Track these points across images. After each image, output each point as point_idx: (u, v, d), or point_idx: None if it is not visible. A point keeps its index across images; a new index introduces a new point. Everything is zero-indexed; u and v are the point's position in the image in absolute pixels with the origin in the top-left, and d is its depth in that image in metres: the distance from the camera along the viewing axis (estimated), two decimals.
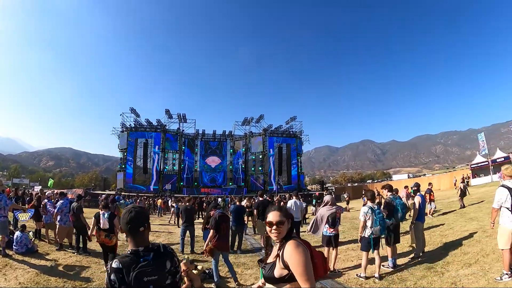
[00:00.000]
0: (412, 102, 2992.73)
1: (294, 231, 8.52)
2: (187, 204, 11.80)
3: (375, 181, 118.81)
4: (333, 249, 7.89)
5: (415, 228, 8.76)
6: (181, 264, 6.93)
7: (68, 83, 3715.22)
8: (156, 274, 2.36)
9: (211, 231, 7.34)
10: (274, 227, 2.66)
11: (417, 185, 9.61)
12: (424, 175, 73.68)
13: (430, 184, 17.95)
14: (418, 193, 9.11)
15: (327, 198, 8.31)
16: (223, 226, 7.47)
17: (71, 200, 11.21)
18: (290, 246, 2.50)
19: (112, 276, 2.24)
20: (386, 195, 8.47)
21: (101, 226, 8.12)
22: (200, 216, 22.20)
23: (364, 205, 8.28)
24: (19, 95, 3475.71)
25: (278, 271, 2.47)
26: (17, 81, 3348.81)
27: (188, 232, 11.23)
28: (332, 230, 7.82)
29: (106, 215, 8.16)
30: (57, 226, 10.80)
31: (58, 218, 10.60)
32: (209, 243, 7.09)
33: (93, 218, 8.38)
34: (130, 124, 56.96)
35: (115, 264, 2.30)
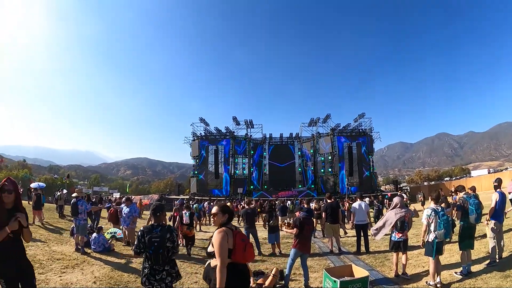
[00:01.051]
0: (487, 86, 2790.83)
1: (362, 233, 8.40)
2: (247, 207, 12.00)
3: (453, 178, 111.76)
4: (402, 254, 7.64)
5: (492, 229, 7.93)
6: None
7: (142, 97, 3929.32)
8: (159, 238, 4.45)
9: (295, 229, 7.51)
10: (212, 217, 4.23)
11: (498, 181, 8.62)
12: (506, 169, 68.26)
13: None
14: (497, 190, 8.22)
15: (396, 200, 8.01)
16: (307, 228, 7.56)
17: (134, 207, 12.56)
18: (216, 231, 3.92)
19: (139, 234, 4.52)
20: (460, 196, 8.06)
21: (184, 222, 11.63)
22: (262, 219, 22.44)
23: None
24: (96, 111, 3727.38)
25: (210, 248, 3.92)
26: (95, 98, 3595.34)
27: (251, 234, 11.40)
28: (400, 235, 7.56)
29: (187, 213, 11.83)
30: (124, 228, 12.33)
31: (123, 221, 12.22)
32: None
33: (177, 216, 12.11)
34: (200, 133, 59.57)
35: (141, 229, 4.64)
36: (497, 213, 7.98)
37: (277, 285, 7.31)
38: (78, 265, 8.65)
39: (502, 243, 8.16)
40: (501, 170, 67.26)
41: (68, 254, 9.86)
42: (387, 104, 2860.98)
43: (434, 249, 6.64)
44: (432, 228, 6.72)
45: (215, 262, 3.74)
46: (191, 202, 23.57)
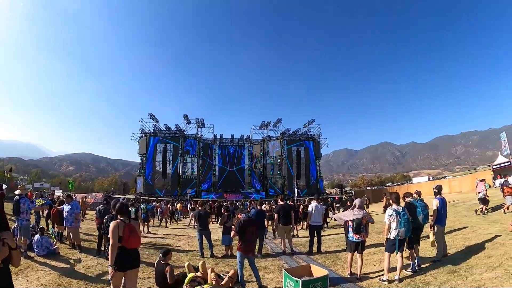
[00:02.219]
0: (431, 102, 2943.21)
1: (315, 234, 8.51)
2: (200, 208, 11.86)
3: (395, 184, 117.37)
4: (358, 256, 7.85)
5: (435, 231, 8.69)
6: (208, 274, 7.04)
7: (88, 90, 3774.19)
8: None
9: (232, 233, 7.65)
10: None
11: (439, 187, 9.28)
12: (445, 177, 72.48)
13: (505, 175, 18.09)
14: (437, 196, 8.88)
15: (356, 201, 8.24)
16: (249, 230, 7.53)
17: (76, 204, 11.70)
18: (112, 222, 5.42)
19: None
20: (407, 200, 8.51)
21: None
22: (216, 220, 22.20)
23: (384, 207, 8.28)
24: (39, 102, 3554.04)
25: None
26: (37, 88, 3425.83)
27: (204, 236, 11.30)
28: (358, 236, 7.76)
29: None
30: (67, 228, 11.42)
31: (66, 220, 11.17)
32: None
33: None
34: (149, 130, 57.57)
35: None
36: (440, 218, 8.63)
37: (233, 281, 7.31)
38: (21, 271, 7.97)
39: (443, 245, 8.78)
40: (440, 178, 71.11)
41: None
42: (335, 112, 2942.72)
43: (397, 246, 7.10)
44: (393, 226, 7.17)
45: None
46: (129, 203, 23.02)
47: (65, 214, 11.27)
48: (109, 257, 5.15)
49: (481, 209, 15.53)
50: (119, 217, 5.59)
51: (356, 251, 7.84)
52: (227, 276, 7.02)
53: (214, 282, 6.85)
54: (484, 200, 15.83)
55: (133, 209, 14.46)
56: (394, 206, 7.38)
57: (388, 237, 7.28)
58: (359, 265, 7.75)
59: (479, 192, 16.18)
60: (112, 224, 5.32)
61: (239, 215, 8.14)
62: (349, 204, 10.36)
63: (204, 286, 6.72)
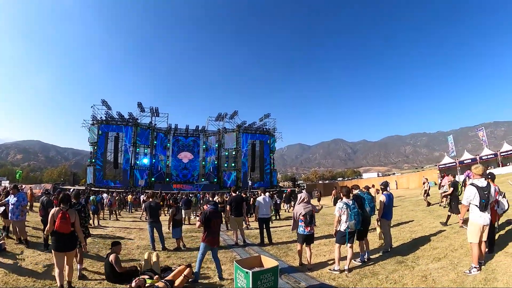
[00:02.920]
0: (382, 103, 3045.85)
1: (264, 226, 8.46)
2: (150, 200, 11.61)
3: (346, 179, 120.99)
4: (306, 247, 7.94)
5: (382, 225, 9.08)
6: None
7: (38, 73, 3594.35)
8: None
9: (198, 223, 7.54)
10: None
11: (385, 184, 9.62)
12: (394, 174, 75.65)
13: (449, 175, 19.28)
14: (384, 192, 9.20)
15: (303, 195, 8.32)
16: (214, 222, 7.49)
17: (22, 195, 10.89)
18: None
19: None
20: (354, 192, 8.80)
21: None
22: (167, 212, 21.79)
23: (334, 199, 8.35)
24: None
25: None
26: None
27: (155, 229, 11.06)
28: (308, 229, 7.85)
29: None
30: (12, 221, 10.62)
31: (12, 213, 10.36)
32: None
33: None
34: (101, 117, 55.39)
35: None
36: (386, 212, 8.95)
37: (189, 280, 7.00)
38: None
39: (389, 237, 9.18)
40: (389, 175, 74.09)
41: None
42: (290, 107, 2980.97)
43: (347, 237, 7.24)
44: (344, 219, 7.28)
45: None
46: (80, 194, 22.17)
47: (10, 207, 10.57)
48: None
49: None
50: (61, 205, 6.40)
51: (305, 243, 7.94)
52: (183, 275, 6.67)
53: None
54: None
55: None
56: (345, 199, 7.49)
57: (339, 229, 7.40)
58: (308, 255, 7.85)
59: (469, 178, 17.39)
60: (51, 211, 6.36)
61: (205, 206, 8.03)
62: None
63: (148, 281, 6.37)
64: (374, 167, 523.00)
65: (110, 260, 6.96)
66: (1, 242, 9.75)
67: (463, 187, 12.91)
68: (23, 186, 34.33)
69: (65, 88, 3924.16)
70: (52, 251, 6.30)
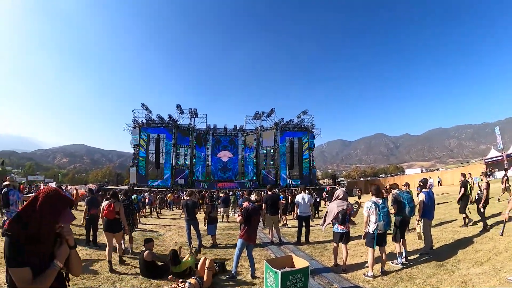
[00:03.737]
0: (425, 95, 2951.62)
1: (303, 224, 8.36)
2: (188, 198, 11.81)
3: (388, 175, 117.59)
4: (343, 247, 7.71)
5: (422, 225, 8.58)
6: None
7: (81, 81, 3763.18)
8: None
9: (239, 218, 7.58)
10: None
11: (424, 181, 9.20)
12: (438, 169, 72.83)
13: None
14: (423, 190, 8.77)
15: (338, 192, 8.11)
16: (254, 219, 7.53)
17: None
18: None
19: None
20: (394, 192, 8.41)
21: None
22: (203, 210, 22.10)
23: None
24: (33, 94, 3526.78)
25: None
26: (31, 81, 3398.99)
27: (192, 226, 11.26)
28: (343, 227, 7.63)
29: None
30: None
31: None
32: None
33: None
34: (142, 120, 57.25)
35: None
36: (426, 211, 8.51)
37: (226, 276, 7.25)
38: None
39: (431, 238, 8.70)
40: (433, 170, 71.50)
41: None
42: (329, 102, 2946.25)
43: (375, 240, 6.89)
44: (372, 219, 6.95)
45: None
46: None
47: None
48: None
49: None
50: (110, 198, 8.57)
51: (341, 242, 7.72)
52: (206, 268, 6.73)
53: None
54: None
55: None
56: (373, 198, 7.15)
57: (367, 231, 7.10)
58: (344, 256, 7.64)
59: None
60: (103, 203, 8.78)
61: (245, 203, 8.09)
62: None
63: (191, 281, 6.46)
64: (417, 162, 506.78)
65: (144, 256, 7.19)
66: None
67: (471, 187, 12.30)
68: (69, 187, 35.80)
69: (107, 94, 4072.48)
70: (103, 231, 8.47)
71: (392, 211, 8.04)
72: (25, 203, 2.13)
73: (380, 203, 7.05)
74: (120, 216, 8.45)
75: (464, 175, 12.85)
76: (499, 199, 15.68)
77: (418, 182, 9.19)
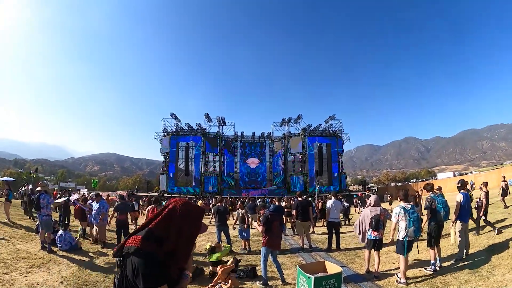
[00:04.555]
0: (455, 95, 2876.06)
1: (333, 231, 8.45)
2: (219, 204, 11.99)
3: (420, 180, 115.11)
4: (375, 254, 7.71)
5: (457, 228, 8.30)
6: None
7: (112, 91, 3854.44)
8: None
9: (260, 228, 7.62)
10: None
11: (462, 182, 8.89)
12: (471, 172, 70.87)
13: None
14: (461, 191, 8.50)
15: (371, 198, 8.12)
16: (275, 224, 7.55)
17: (103, 203, 12.25)
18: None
19: None
20: (427, 195, 8.23)
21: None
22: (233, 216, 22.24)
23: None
24: (65, 104, 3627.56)
25: None
26: (61, 91, 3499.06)
27: (222, 232, 11.45)
28: (376, 233, 7.61)
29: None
30: (95, 225, 11.94)
31: (93, 217, 11.94)
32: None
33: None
34: (171, 129, 58.54)
35: None
36: (463, 213, 8.30)
37: (259, 282, 7.34)
38: (44, 264, 8.28)
39: (467, 242, 8.51)
40: (466, 174, 69.65)
41: (33, 252, 9.41)
42: (357, 107, 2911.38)
43: (405, 247, 6.80)
44: (402, 226, 6.88)
45: None
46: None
47: (92, 212, 11.84)
48: None
49: None
50: (152, 203, 10.56)
51: (373, 249, 7.71)
52: (229, 276, 6.86)
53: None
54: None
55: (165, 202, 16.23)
56: (402, 203, 7.07)
57: (397, 238, 7.03)
58: (376, 262, 7.61)
59: None
60: (148, 207, 11.02)
61: (261, 211, 8.21)
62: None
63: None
64: (449, 165, 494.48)
65: None
66: (78, 241, 10.89)
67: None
68: (101, 193, 36.74)
69: (137, 104, 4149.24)
70: None
71: (425, 217, 7.99)
72: (158, 217, 2.03)
73: (409, 208, 6.95)
74: None
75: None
76: None
77: (456, 184, 8.99)
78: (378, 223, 7.62)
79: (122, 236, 11.04)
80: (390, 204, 29.46)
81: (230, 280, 6.70)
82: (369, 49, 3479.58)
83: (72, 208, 15.26)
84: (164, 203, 10.85)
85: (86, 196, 15.39)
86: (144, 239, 1.91)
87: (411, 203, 7.29)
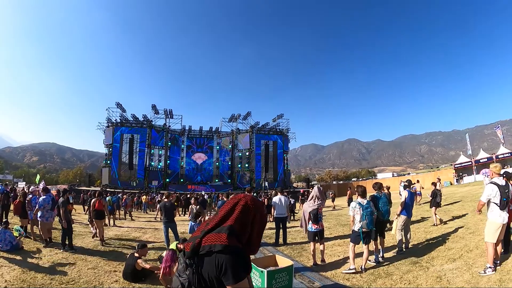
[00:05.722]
0: (397, 102, 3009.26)
1: (281, 225, 8.55)
2: (166, 200, 11.74)
3: (360, 179, 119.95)
4: (319, 244, 8.14)
5: (400, 222, 8.96)
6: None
7: (53, 77, 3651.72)
8: None
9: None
10: None
11: (409, 181, 10.10)
12: (409, 173, 74.76)
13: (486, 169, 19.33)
14: (407, 188, 9.39)
15: (314, 188, 8.56)
16: None
17: (52, 196, 11.19)
18: None
19: None
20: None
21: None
22: (186, 212, 21.96)
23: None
24: (2, 88, 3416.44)
25: None
26: (1, 70, 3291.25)
27: (170, 228, 11.23)
28: (316, 226, 8.09)
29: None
30: (39, 222, 10.67)
31: (39, 214, 10.50)
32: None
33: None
34: (116, 119, 56.25)
35: None
36: (406, 208, 8.99)
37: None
38: None
39: (409, 235, 9.15)
40: (404, 174, 73.31)
41: None
42: (303, 107, 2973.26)
43: (362, 237, 7.24)
44: (357, 219, 7.32)
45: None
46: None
47: (39, 206, 10.88)
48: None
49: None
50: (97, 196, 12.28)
51: (316, 241, 8.12)
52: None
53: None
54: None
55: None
56: (359, 199, 7.51)
57: (353, 229, 7.44)
58: (321, 250, 8.06)
59: (488, 176, 17.84)
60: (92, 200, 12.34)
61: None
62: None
63: None
64: (388, 167, 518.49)
65: (136, 263, 7.07)
66: (19, 240, 10.04)
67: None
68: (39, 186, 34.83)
69: (80, 91, 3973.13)
70: (95, 220, 11.92)
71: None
72: (233, 214, 2.08)
73: (365, 203, 7.36)
74: (104, 209, 12.73)
75: (435, 184, 13.91)
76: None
77: (403, 182, 9.73)
78: (317, 216, 8.12)
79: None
80: (333, 201, 30.30)
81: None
82: (318, 48, 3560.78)
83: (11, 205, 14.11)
84: (108, 198, 10.56)
85: (26, 190, 14.39)
86: (229, 236, 1.92)
87: (367, 199, 7.61)
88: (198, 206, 12.37)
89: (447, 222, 11.96)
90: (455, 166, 46.64)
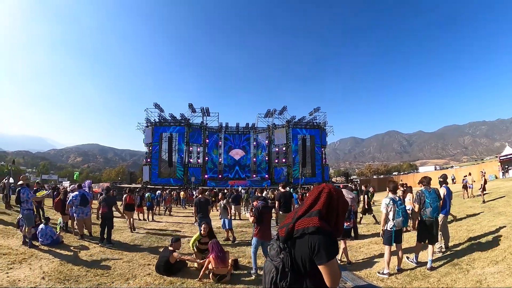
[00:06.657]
0: (439, 91, 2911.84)
1: None
2: (200, 196, 11.85)
3: (401, 173, 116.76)
4: (352, 240, 7.92)
5: (441, 222, 8.16)
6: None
7: (94, 81, 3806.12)
8: None
9: (251, 218, 7.55)
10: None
11: (444, 177, 8.95)
12: (452, 167, 72.00)
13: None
14: (443, 185, 8.55)
15: (343, 191, 8.23)
16: (266, 217, 7.56)
17: (82, 192, 11.57)
18: None
19: None
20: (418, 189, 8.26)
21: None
22: (216, 208, 22.10)
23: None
24: (47, 95, 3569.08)
25: None
26: (43, 82, 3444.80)
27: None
28: (348, 223, 8.01)
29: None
30: (75, 218, 11.42)
31: (70, 210, 11.25)
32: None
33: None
34: (154, 119, 58.02)
35: None
36: (445, 207, 8.31)
37: (250, 271, 7.39)
38: (25, 260, 7.98)
39: (448, 234, 8.57)
40: (447, 168, 70.68)
41: (14, 248, 9.08)
42: (341, 100, 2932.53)
43: (393, 237, 6.85)
44: (390, 216, 6.90)
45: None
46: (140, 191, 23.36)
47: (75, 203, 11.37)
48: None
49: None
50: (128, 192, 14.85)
51: (349, 238, 8.02)
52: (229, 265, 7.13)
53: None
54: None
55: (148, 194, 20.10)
56: (390, 195, 7.13)
57: (385, 228, 7.01)
58: (343, 248, 7.94)
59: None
60: (124, 195, 14.70)
61: (255, 203, 8.16)
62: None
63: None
64: (431, 160, 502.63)
65: (170, 257, 7.24)
66: (59, 235, 10.52)
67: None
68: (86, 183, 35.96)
69: (120, 94, 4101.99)
70: (125, 211, 14.02)
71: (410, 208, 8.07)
72: (319, 201, 2.26)
73: (397, 199, 7.03)
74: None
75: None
76: None
77: (438, 178, 8.99)
78: (350, 213, 8.06)
79: (106, 229, 10.59)
80: (372, 196, 29.64)
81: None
82: (354, 42, 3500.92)
83: (51, 201, 14.85)
84: (147, 194, 10.92)
85: (67, 189, 15.04)
86: (320, 219, 2.11)
87: (398, 196, 7.33)
88: (224, 201, 12.40)
89: (491, 220, 11.32)
90: (501, 158, 44.01)
